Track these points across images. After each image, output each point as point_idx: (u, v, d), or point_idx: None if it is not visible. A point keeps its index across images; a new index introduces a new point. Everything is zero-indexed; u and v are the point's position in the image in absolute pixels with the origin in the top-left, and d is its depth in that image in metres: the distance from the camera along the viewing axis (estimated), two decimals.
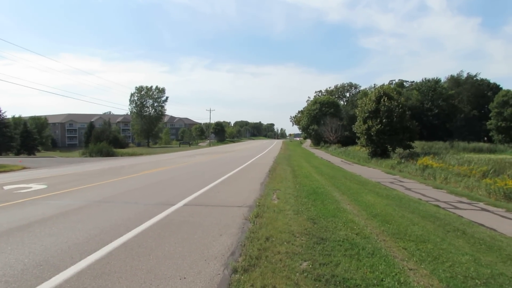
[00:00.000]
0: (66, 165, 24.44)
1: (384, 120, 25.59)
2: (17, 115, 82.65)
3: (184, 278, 3.80)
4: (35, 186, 11.84)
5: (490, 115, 58.11)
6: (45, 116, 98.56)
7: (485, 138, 60.03)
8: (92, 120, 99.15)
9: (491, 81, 70.67)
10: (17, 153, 59.74)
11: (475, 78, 71.10)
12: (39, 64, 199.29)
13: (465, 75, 72.47)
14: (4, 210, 7.68)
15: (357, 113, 29.39)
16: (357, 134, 29.17)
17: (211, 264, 4.23)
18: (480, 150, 39.43)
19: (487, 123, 58.90)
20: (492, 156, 27.63)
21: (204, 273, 3.95)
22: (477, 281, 3.82)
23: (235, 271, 3.95)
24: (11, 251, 4.74)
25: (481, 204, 9.71)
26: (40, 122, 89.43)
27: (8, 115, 68.24)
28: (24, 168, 22.49)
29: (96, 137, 65.89)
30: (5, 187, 11.88)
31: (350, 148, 40.97)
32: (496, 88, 67.28)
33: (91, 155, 39.30)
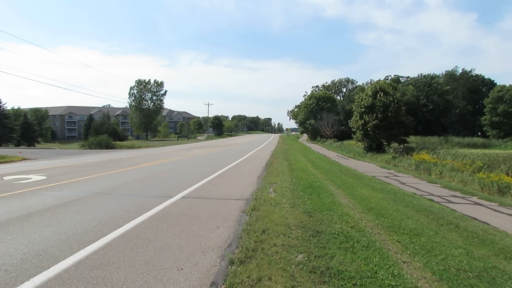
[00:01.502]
0: (65, 157, 24.44)
1: (379, 115, 25.65)
2: (16, 107, 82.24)
3: (182, 269, 3.85)
4: (35, 177, 11.86)
5: (485, 110, 58.50)
6: (45, 108, 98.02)
7: (479, 133, 60.31)
8: (91, 113, 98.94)
9: (486, 77, 70.97)
10: (17, 145, 59.65)
11: (470, 74, 71.14)
12: (39, 56, 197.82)
13: (460, 70, 72.55)
14: (4, 200, 7.71)
15: (354, 108, 29.48)
16: (353, 129, 29.27)
17: (208, 255, 4.29)
18: (474, 145, 39.63)
19: (482, 118, 59.28)
20: (486, 151, 27.80)
21: (201, 264, 4.00)
22: (469, 274, 3.87)
23: (231, 262, 4.00)
24: (11, 240, 4.78)
25: (475, 198, 9.82)
26: (40, 114, 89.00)
27: (8, 106, 68.00)
28: (24, 159, 22.48)
29: (96, 130, 66.01)
30: (5, 178, 11.91)
31: (346, 142, 41.12)
32: (490, 84, 67.53)
33: (90, 147, 39.34)
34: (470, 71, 71.75)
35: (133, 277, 3.61)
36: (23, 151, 33.47)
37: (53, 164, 17.74)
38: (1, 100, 62.75)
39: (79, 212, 6.49)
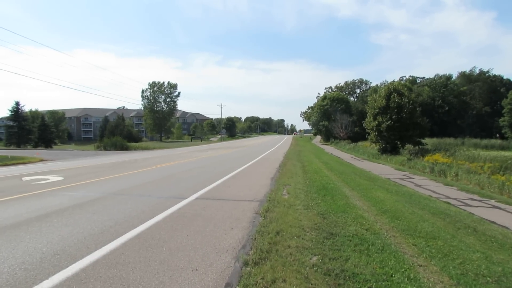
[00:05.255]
0: (81, 158, 24.90)
1: (394, 117, 25.34)
2: (34, 109, 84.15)
3: (196, 269, 3.88)
4: (52, 178, 12.13)
5: (503, 111, 57.04)
6: (62, 110, 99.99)
7: (497, 135, 58.86)
8: (106, 115, 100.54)
9: (505, 77, 69.35)
10: (35, 146, 61.11)
11: (487, 74, 69.63)
12: (55, 59, 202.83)
13: (477, 71, 71.07)
14: (23, 201, 7.91)
15: (367, 109, 29.20)
16: (367, 130, 28.98)
17: (222, 256, 4.31)
18: (492, 147, 38.63)
19: (500, 119, 57.82)
20: (505, 153, 27.11)
21: (216, 265, 4.02)
22: (488, 278, 3.79)
23: (246, 264, 4.01)
24: (30, 240, 4.91)
25: (493, 202, 9.59)
26: (57, 116, 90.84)
27: (26, 109, 69.78)
28: (41, 160, 23.04)
29: (111, 131, 67.05)
30: (24, 178, 12.21)
31: (359, 144, 40.62)
32: (509, 84, 66.01)
33: (105, 149, 40.01)
34: (488, 71, 70.32)
35: (149, 277, 3.65)
36: (41, 152, 34.26)
37: (70, 165, 18.09)
38: (20, 103, 64.65)
39: (95, 213, 6.61)
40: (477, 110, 64.50)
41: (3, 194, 8.74)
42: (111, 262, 4.07)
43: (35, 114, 76.74)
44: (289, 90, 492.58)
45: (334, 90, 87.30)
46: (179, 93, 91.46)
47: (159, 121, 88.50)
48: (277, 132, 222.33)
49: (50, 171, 14.73)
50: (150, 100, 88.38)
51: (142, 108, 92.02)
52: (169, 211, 6.72)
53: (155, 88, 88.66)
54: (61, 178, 12.01)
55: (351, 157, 27.92)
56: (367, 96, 59.15)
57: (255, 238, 4.98)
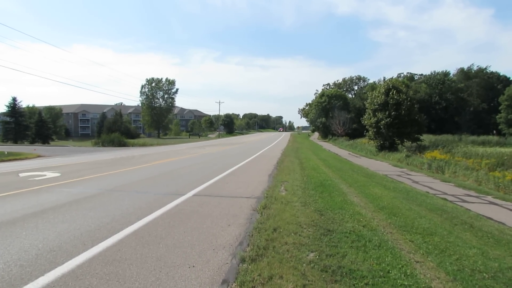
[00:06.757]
0: (79, 154, 24.81)
1: (392, 113, 25.36)
2: (31, 105, 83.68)
3: (193, 266, 3.87)
4: (49, 174, 12.08)
5: (500, 108, 57.32)
6: (59, 106, 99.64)
7: (494, 132, 59.01)
8: (104, 111, 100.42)
9: (502, 74, 69.59)
10: (32, 142, 60.75)
11: (485, 71, 69.79)
12: (53, 55, 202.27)
13: (475, 68, 71.28)
14: (20, 197, 7.86)
15: (367, 106, 29.22)
16: (366, 127, 29.00)
17: (219, 253, 4.30)
18: (489, 143, 38.73)
19: (497, 116, 58.03)
20: (502, 149, 27.22)
21: (213, 262, 4.01)
22: (484, 274, 3.79)
23: (243, 260, 4.00)
24: (26, 236, 4.88)
25: (490, 198, 9.61)
26: (54, 112, 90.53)
27: (23, 104, 69.34)
28: (38, 156, 22.94)
29: (108, 128, 67.00)
30: (21, 174, 12.14)
31: (357, 141, 40.70)
32: (506, 81, 66.19)
33: (103, 145, 40.05)
34: (486, 68, 70.48)
35: (145, 274, 3.64)
36: (38, 148, 34.15)
37: (67, 162, 18.03)
38: (17, 98, 64.29)
39: (92, 209, 6.58)
40: (475, 106, 64.62)
41: None
42: (108, 258, 4.05)
43: (32, 110, 76.21)
44: (288, 87, 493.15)
45: (332, 87, 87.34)
46: (177, 89, 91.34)
47: (157, 118, 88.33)
48: (275, 129, 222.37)
49: (47, 167, 14.68)
50: (148, 96, 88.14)
51: (140, 105, 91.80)
52: (166, 208, 6.70)
53: (153, 84, 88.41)
54: (58, 175, 11.97)
55: (349, 154, 27.95)
56: (365, 93, 59.13)
57: (252, 235, 4.98)
